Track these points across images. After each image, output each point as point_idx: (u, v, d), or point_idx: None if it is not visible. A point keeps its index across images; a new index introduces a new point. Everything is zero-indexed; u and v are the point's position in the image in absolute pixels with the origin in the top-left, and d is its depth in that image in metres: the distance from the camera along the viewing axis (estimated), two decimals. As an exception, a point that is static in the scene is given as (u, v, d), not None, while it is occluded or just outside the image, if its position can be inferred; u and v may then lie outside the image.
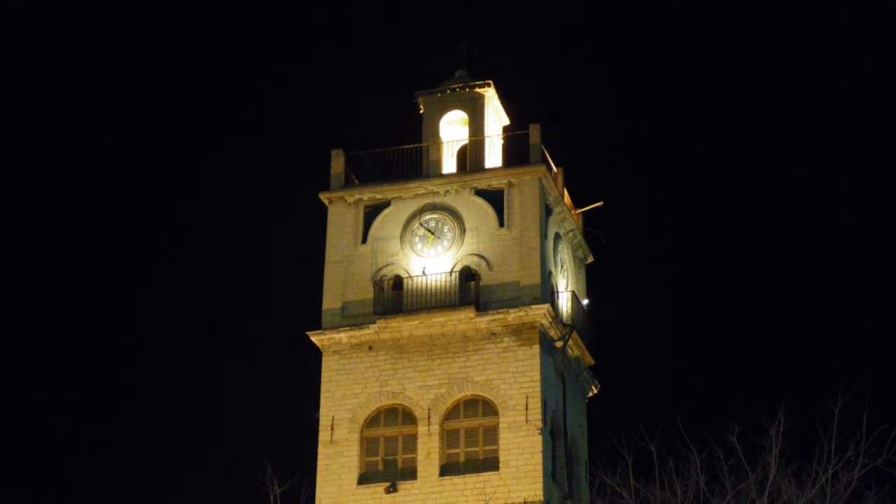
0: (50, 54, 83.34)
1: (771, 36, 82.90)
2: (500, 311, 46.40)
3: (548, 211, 49.02)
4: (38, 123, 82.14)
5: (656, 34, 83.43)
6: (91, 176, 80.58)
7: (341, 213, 49.48)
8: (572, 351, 48.73)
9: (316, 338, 47.62)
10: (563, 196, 50.45)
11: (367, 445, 46.42)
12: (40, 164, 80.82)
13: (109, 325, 76.39)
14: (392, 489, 45.38)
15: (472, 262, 47.70)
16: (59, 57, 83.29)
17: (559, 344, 47.48)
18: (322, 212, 49.81)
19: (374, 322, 47.14)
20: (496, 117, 51.93)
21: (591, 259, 53.21)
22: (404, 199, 49.15)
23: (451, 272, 47.52)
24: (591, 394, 51.26)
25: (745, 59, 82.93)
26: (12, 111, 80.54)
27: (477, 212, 48.42)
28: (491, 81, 51.38)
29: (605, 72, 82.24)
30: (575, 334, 48.22)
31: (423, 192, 49.10)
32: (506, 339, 46.35)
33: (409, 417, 46.34)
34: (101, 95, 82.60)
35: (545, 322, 46.44)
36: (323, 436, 46.53)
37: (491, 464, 45.14)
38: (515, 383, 45.68)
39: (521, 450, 44.87)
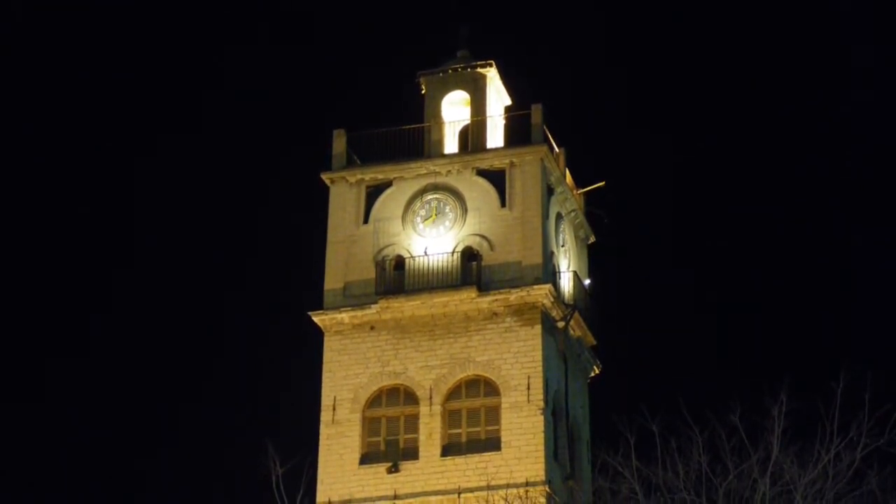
0: (50, 54, 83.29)
1: (771, 36, 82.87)
2: (501, 291, 46.36)
3: (549, 191, 48.93)
4: (38, 123, 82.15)
5: (658, 29, 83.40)
6: (91, 176, 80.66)
7: (343, 193, 49.39)
8: (574, 331, 48.68)
9: (318, 318, 47.57)
10: (564, 176, 50.37)
11: (369, 426, 46.40)
12: (40, 164, 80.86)
13: (111, 316, 76.62)
14: (394, 469, 45.36)
15: (474, 242, 47.63)
16: (59, 57, 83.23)
17: (561, 324, 47.42)
18: (323, 192, 49.75)
19: (375, 302, 47.09)
20: (498, 97, 51.80)
21: (592, 239, 53.13)
22: (406, 179, 49.06)
23: (452, 252, 47.47)
24: (592, 374, 51.23)
25: (745, 58, 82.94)
26: (12, 111, 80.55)
27: (479, 192, 48.33)
28: (493, 61, 51.24)
29: (607, 55, 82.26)
30: (577, 314, 48.16)
31: (425, 172, 49.00)
32: (507, 319, 46.31)
33: (410, 398, 46.32)
34: (101, 95, 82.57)
35: (547, 302, 46.39)
36: (324, 416, 46.51)
37: (493, 444, 45.14)
38: (517, 363, 45.66)
39: (523, 430, 44.86)
